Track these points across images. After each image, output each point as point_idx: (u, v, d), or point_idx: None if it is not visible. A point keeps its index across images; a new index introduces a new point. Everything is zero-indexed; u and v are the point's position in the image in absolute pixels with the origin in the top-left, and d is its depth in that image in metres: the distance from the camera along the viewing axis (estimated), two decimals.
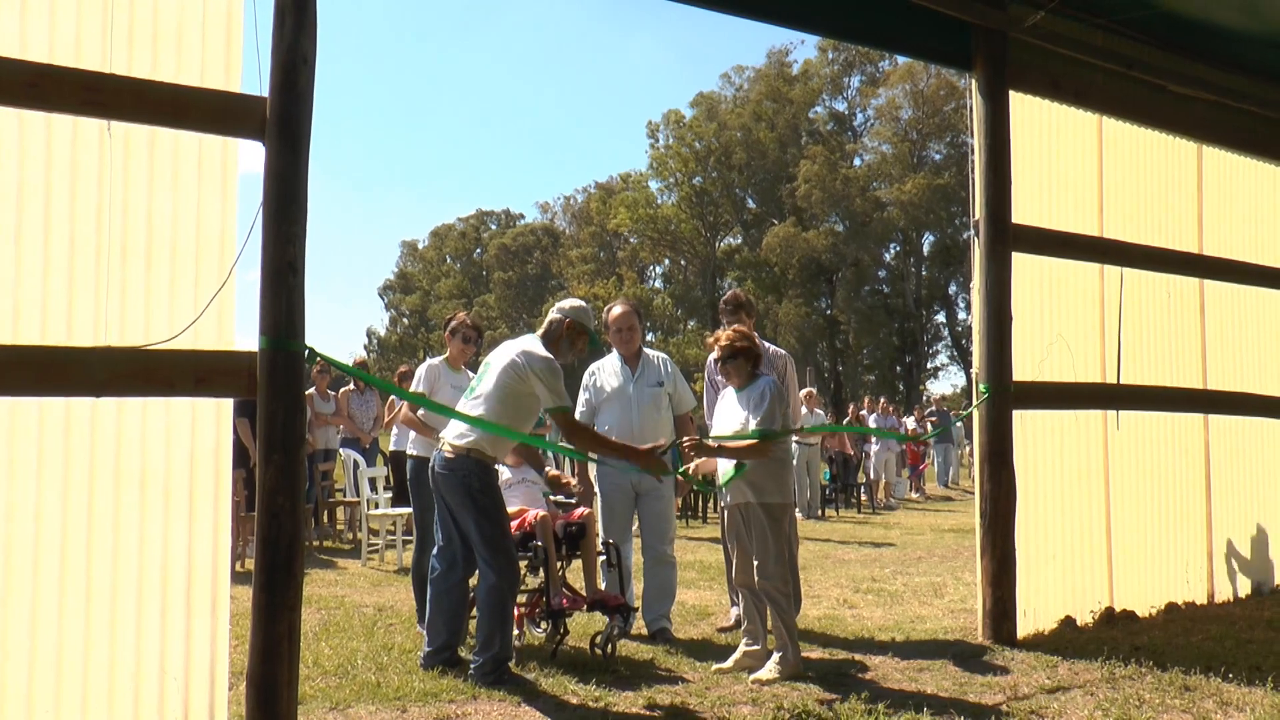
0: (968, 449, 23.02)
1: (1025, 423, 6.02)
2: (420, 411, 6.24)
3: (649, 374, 6.15)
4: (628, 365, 6.16)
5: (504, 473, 5.73)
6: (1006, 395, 5.87)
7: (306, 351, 3.85)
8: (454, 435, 4.99)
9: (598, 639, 5.34)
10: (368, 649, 5.59)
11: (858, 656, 5.44)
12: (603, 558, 5.88)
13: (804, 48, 54.77)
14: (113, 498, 3.69)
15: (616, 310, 6.28)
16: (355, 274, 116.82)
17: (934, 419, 21.98)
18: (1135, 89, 6.64)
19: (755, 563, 5.03)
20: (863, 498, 17.44)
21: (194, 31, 3.85)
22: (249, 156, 3.90)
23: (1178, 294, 7.02)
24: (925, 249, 50.86)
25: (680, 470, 5.44)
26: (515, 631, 5.36)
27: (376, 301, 79.85)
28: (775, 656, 4.99)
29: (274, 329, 3.77)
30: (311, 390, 11.19)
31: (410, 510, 6.50)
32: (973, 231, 6.03)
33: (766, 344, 6.13)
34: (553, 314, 5.24)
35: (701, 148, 52.33)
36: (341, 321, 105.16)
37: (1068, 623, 6.15)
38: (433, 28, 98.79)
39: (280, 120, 3.81)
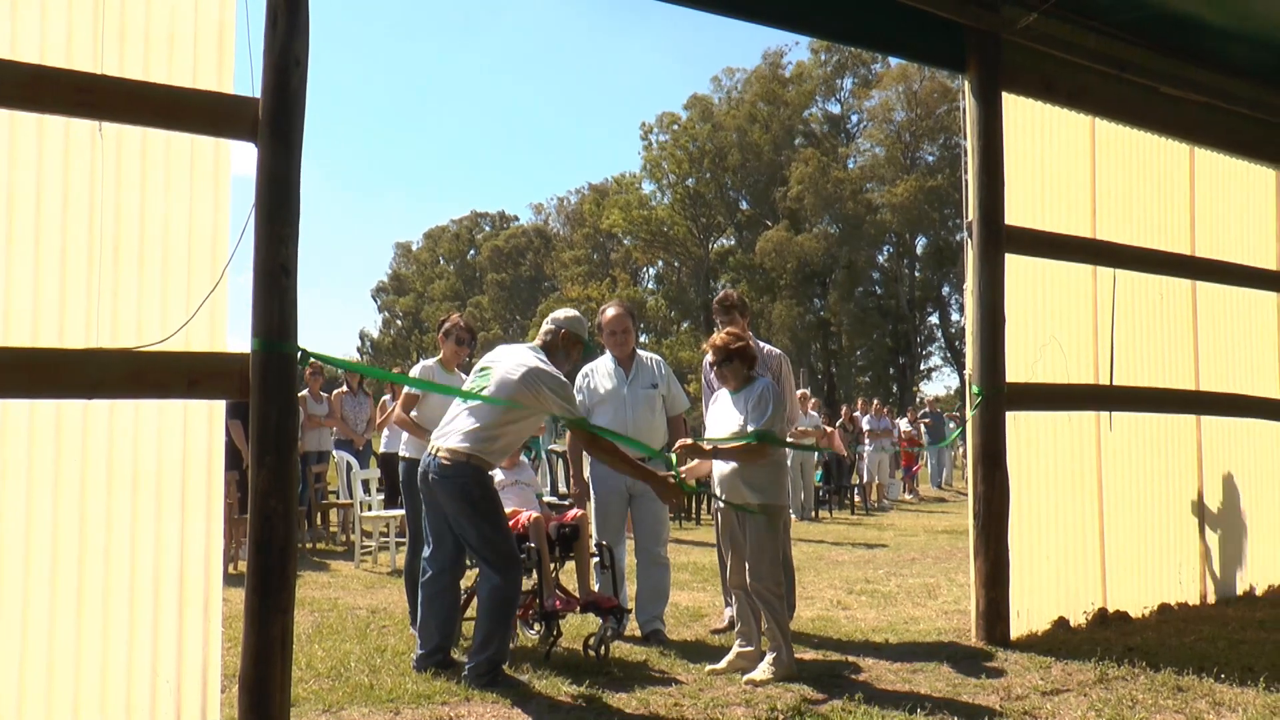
0: (961, 450, 23.07)
1: (1019, 424, 6.02)
2: (413, 413, 6.23)
3: (643, 376, 6.15)
4: (621, 367, 6.16)
5: (497, 475, 5.72)
6: (1000, 397, 5.87)
7: (299, 353, 3.84)
8: (451, 441, 4.96)
9: (591, 641, 5.34)
10: (361, 651, 5.58)
11: (851, 658, 5.44)
12: (596, 559, 5.88)
13: (797, 49, 54.85)
14: (105, 500, 3.68)
15: (611, 312, 6.26)
16: (348, 276, 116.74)
17: (927, 420, 22.09)
18: (1128, 91, 6.66)
19: (749, 564, 5.03)
20: (856, 499, 17.46)
21: (186, 33, 3.84)
22: (241, 158, 3.91)
23: (1170, 296, 7.04)
24: (919, 251, 50.91)
25: (673, 473, 5.43)
26: None
27: (370, 303, 79.69)
28: (769, 658, 4.99)
29: (266, 331, 3.76)
30: (304, 392, 11.16)
31: (403, 512, 6.49)
32: (966, 233, 6.04)
33: (762, 344, 6.13)
34: (547, 325, 5.26)
35: (695, 149, 52.36)
36: (334, 323, 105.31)
37: (1061, 624, 6.16)
38: (426, 29, 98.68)
39: (273, 121, 3.80)
